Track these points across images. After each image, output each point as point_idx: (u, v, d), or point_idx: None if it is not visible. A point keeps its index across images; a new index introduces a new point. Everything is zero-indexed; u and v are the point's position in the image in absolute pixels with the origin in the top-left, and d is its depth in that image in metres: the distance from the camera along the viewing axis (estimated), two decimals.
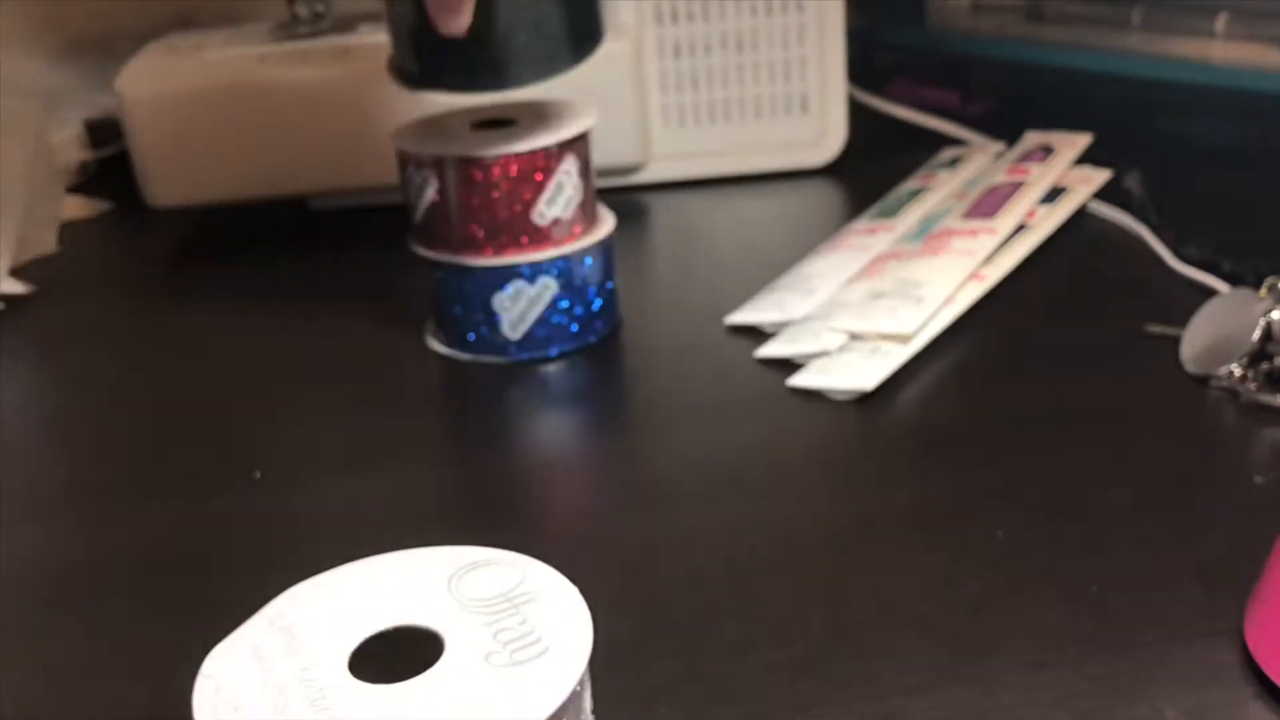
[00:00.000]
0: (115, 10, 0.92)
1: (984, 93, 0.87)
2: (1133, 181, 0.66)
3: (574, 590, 0.28)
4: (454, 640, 0.27)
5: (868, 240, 0.63)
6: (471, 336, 0.55)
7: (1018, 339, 0.55)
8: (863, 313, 0.54)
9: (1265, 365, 0.48)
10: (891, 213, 0.66)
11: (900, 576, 0.39)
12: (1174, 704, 0.32)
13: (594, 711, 0.31)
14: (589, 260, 0.55)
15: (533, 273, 0.54)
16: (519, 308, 0.54)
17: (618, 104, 0.72)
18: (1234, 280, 0.55)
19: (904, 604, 0.38)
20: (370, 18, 0.78)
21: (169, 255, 0.74)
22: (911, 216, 0.65)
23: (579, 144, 0.54)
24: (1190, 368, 0.50)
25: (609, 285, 0.57)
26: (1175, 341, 0.51)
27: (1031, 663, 0.34)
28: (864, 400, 0.50)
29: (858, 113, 0.79)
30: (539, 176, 0.52)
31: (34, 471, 0.50)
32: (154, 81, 0.70)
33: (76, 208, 0.79)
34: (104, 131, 0.86)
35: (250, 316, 0.65)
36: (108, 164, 0.86)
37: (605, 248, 0.56)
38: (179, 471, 0.49)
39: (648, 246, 0.71)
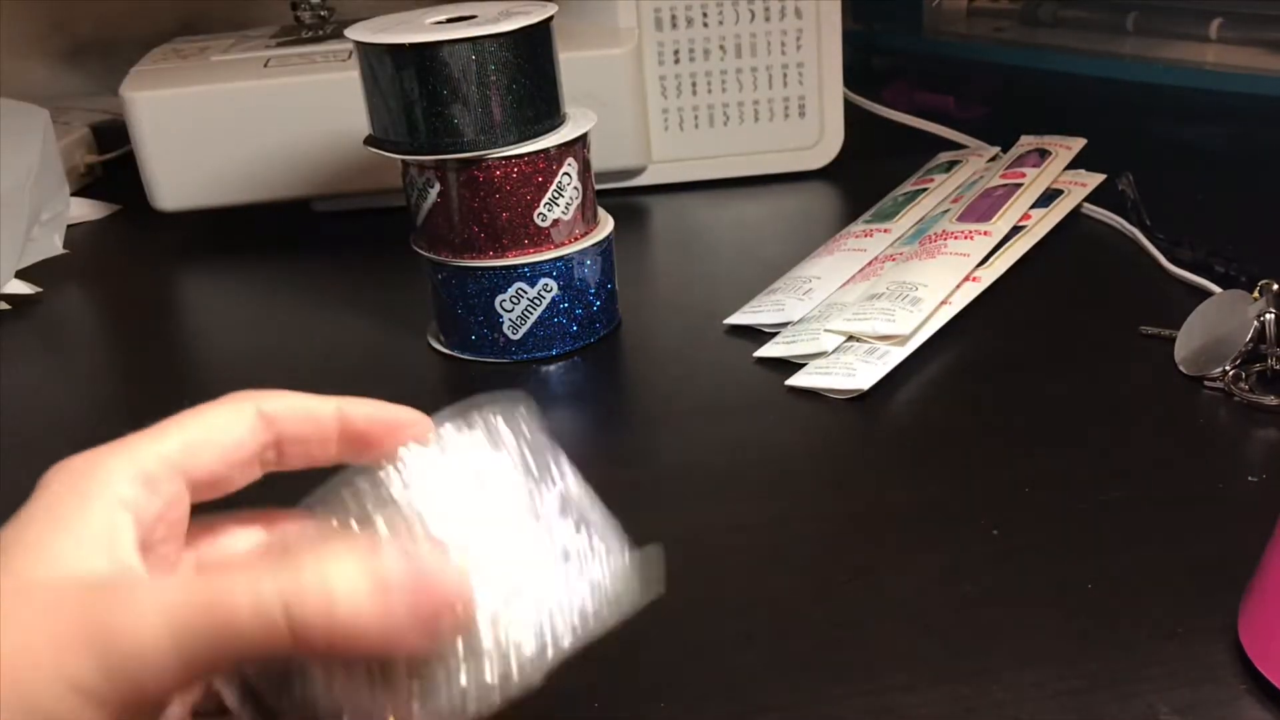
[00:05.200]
0: (120, 15, 0.93)
1: (979, 97, 0.87)
2: (1126, 184, 0.66)
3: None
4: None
5: (865, 242, 0.63)
6: (473, 337, 0.56)
7: (1012, 340, 0.55)
8: (860, 314, 0.54)
9: (1258, 366, 0.49)
10: (888, 215, 0.66)
11: (896, 574, 0.39)
12: (1168, 700, 0.33)
13: (594, 710, 0.31)
14: (589, 262, 0.56)
15: (533, 274, 0.54)
16: (520, 308, 0.55)
17: (618, 108, 0.72)
18: (1227, 282, 0.55)
19: (900, 601, 0.38)
20: None
21: (174, 257, 0.74)
22: (908, 219, 0.65)
23: (579, 146, 0.54)
24: (1184, 368, 0.50)
25: (609, 286, 0.58)
26: (1169, 343, 0.52)
27: (1027, 659, 0.35)
28: (861, 400, 0.50)
29: (855, 117, 0.79)
30: (540, 179, 0.53)
31: (39, 471, 0.50)
32: (159, 85, 0.70)
33: (82, 210, 0.80)
34: (110, 135, 0.87)
35: (254, 318, 0.65)
36: (113, 167, 0.87)
37: (605, 249, 0.57)
38: None
39: (648, 248, 0.71)
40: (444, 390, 0.55)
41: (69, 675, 0.21)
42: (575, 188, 0.54)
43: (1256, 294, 0.50)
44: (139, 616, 0.22)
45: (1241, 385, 0.48)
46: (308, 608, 0.22)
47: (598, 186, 0.57)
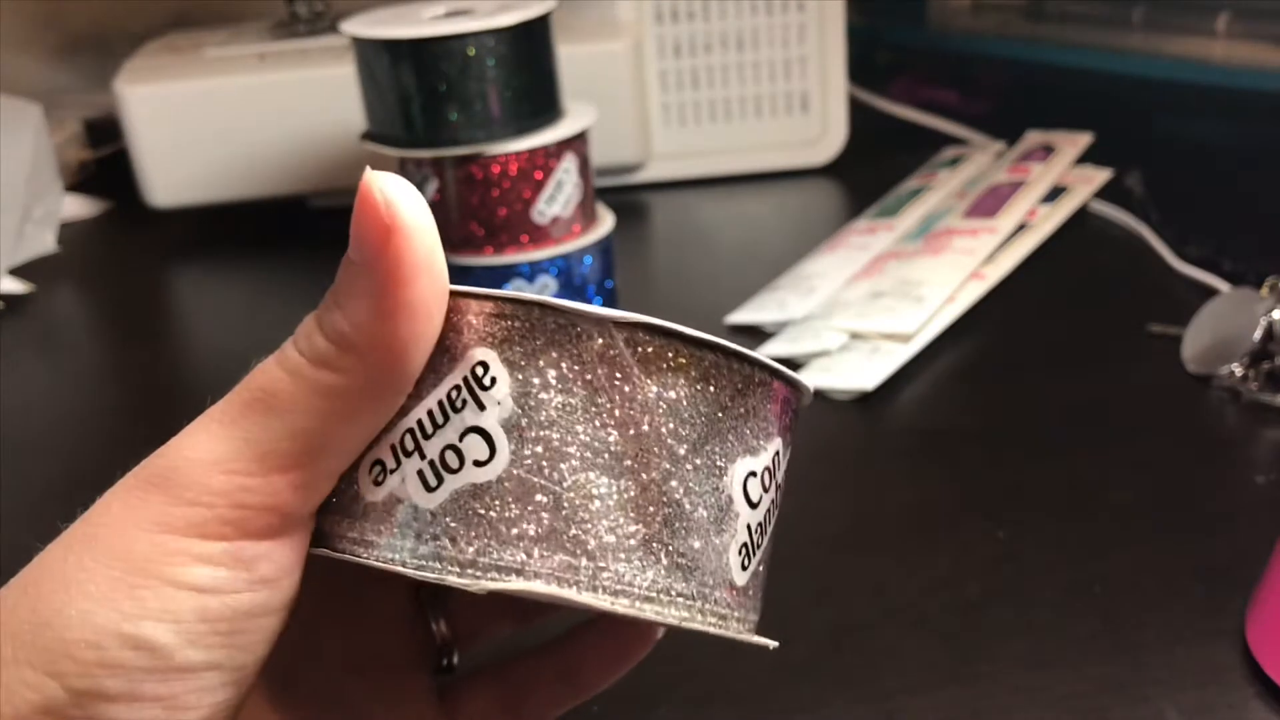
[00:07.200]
0: (114, 9, 0.92)
1: (985, 92, 0.87)
2: (1134, 181, 0.66)
3: None
4: None
5: (868, 239, 0.63)
6: None
7: (1018, 338, 0.54)
8: (863, 312, 0.54)
9: (1266, 365, 0.48)
10: (892, 212, 0.66)
11: (901, 576, 0.39)
12: (1175, 703, 0.32)
13: (593, 715, 0.31)
14: (588, 259, 0.55)
15: (532, 271, 0.54)
16: None
17: (618, 103, 0.72)
18: (1235, 279, 0.55)
19: (905, 604, 0.37)
20: None
21: (168, 255, 0.74)
22: (912, 216, 0.65)
23: (578, 142, 0.54)
24: (1191, 367, 0.49)
25: (608, 284, 0.57)
26: (1176, 341, 0.51)
27: (1033, 662, 0.34)
28: (865, 400, 0.50)
29: (858, 112, 0.79)
30: (539, 175, 0.52)
31: (33, 470, 0.50)
32: (153, 80, 0.70)
33: (76, 207, 0.79)
34: (103, 131, 0.86)
35: (249, 316, 0.65)
36: (107, 163, 0.86)
37: (605, 246, 0.56)
38: None
39: (648, 245, 0.71)
40: None
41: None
42: (575, 184, 0.54)
43: (1265, 292, 0.49)
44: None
45: (1249, 384, 0.47)
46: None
47: (598, 182, 0.57)
